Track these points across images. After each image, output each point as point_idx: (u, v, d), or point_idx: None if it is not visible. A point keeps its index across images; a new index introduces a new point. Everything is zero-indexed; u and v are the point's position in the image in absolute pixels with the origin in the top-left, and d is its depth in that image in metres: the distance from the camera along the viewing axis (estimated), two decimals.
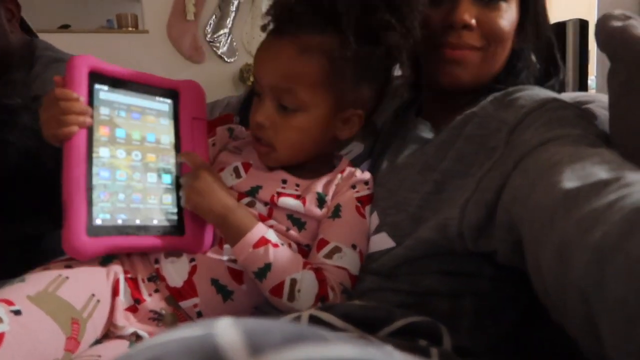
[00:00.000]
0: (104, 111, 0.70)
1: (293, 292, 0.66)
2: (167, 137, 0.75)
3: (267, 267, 0.66)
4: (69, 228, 0.61)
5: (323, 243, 0.72)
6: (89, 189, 0.64)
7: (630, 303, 0.34)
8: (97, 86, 0.70)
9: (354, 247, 0.72)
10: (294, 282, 0.66)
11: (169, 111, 0.77)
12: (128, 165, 0.69)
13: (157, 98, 0.76)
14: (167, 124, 0.76)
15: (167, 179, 0.73)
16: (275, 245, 0.68)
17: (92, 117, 0.68)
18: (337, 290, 0.69)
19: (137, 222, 0.67)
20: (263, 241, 0.67)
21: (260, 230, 0.68)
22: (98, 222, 0.64)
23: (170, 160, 0.74)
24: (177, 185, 0.73)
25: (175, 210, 0.72)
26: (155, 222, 0.69)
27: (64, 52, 1.19)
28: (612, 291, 0.36)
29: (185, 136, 0.76)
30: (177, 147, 0.76)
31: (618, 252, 0.37)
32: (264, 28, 0.74)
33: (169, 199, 0.72)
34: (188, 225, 0.71)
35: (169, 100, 0.77)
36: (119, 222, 0.66)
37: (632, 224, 0.38)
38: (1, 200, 0.82)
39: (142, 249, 0.69)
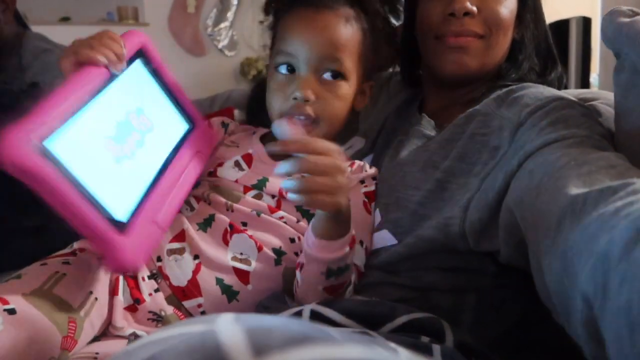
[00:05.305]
0: (130, 79, 0.66)
1: (344, 293, 0.66)
2: (163, 149, 0.70)
3: (347, 267, 0.64)
4: None
5: None
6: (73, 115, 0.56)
7: (634, 310, 0.34)
8: (138, 60, 0.67)
9: (361, 243, 0.72)
10: (349, 284, 0.67)
11: (179, 133, 0.73)
12: (117, 135, 0.62)
13: (177, 116, 0.73)
14: (169, 141, 0.71)
15: (144, 177, 0.66)
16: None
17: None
18: (352, 287, 0.69)
19: (95, 186, 0.57)
20: (354, 239, 0.66)
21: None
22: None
23: (153, 166, 0.67)
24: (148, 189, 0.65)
25: (134, 207, 0.62)
26: (107, 199, 0.59)
27: (57, 43, 1.19)
28: (616, 297, 0.35)
29: (177, 161, 0.70)
30: (167, 161, 0.69)
31: (623, 258, 0.36)
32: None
33: (134, 193, 0.63)
34: (135, 230, 0.60)
35: (184, 124, 0.75)
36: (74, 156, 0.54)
37: (638, 231, 0.37)
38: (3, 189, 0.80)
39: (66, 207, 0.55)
